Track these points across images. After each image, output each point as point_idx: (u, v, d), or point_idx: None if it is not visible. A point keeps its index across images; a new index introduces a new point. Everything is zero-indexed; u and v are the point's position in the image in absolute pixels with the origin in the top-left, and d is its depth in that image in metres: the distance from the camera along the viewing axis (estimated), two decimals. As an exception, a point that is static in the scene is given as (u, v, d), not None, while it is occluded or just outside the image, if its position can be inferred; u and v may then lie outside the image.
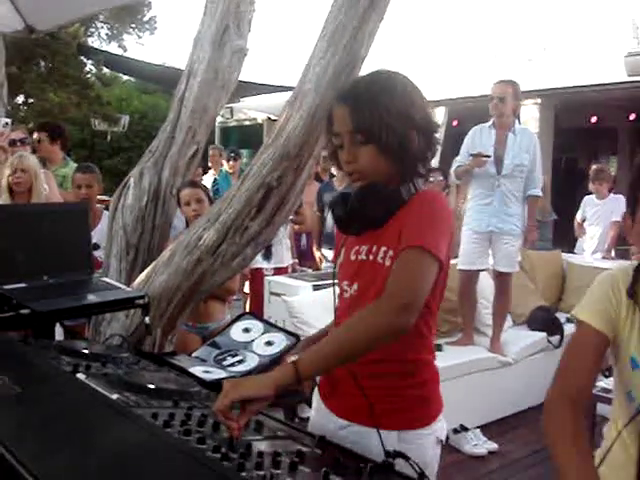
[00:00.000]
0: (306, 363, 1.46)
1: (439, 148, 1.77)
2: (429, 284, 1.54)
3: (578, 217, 7.10)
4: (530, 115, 9.97)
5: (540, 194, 4.99)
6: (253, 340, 2.37)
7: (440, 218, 1.61)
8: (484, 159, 4.82)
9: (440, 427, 1.74)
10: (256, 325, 2.46)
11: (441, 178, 5.88)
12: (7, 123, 4.89)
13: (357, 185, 1.70)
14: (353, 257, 1.73)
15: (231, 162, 7.77)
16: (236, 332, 2.45)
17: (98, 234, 3.85)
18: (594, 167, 7.20)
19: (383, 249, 1.64)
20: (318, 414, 1.82)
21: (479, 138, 4.98)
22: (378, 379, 1.65)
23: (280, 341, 2.32)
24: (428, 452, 1.68)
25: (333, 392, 1.73)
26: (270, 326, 2.48)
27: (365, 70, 2.92)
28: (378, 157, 1.64)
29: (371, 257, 1.67)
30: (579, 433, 1.45)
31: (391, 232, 1.63)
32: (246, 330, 2.42)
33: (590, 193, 7.09)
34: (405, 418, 1.68)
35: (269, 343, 2.32)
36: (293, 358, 1.48)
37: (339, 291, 1.78)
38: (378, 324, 1.47)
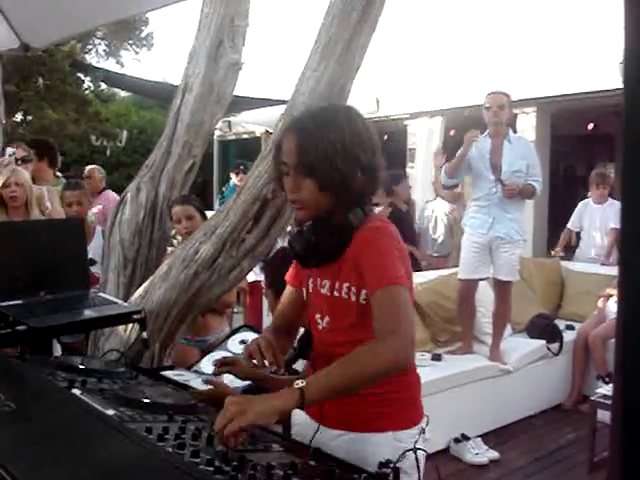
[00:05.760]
0: (312, 391, 1.47)
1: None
2: (412, 311, 1.68)
3: (570, 224, 7.04)
4: (527, 123, 9.97)
5: (537, 187, 4.95)
6: (250, 353, 2.36)
7: (391, 248, 1.67)
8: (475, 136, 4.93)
9: (425, 424, 1.82)
10: (253, 337, 2.46)
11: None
12: (13, 153, 4.87)
13: (302, 215, 1.77)
14: (318, 288, 1.82)
15: (240, 175, 7.73)
16: (233, 345, 2.45)
17: (93, 249, 3.85)
18: (597, 171, 7.16)
19: (345, 285, 1.73)
20: (302, 427, 1.83)
21: (475, 146, 4.99)
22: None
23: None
24: (420, 450, 1.71)
25: (321, 403, 1.73)
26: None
27: (358, 81, 2.94)
28: (318, 191, 1.69)
29: (336, 293, 1.76)
30: None
31: (347, 267, 1.71)
32: (243, 342, 2.42)
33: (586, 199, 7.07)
34: (398, 419, 1.76)
35: (266, 355, 2.31)
36: (300, 383, 1.47)
37: (312, 318, 1.86)
38: (387, 359, 1.52)
